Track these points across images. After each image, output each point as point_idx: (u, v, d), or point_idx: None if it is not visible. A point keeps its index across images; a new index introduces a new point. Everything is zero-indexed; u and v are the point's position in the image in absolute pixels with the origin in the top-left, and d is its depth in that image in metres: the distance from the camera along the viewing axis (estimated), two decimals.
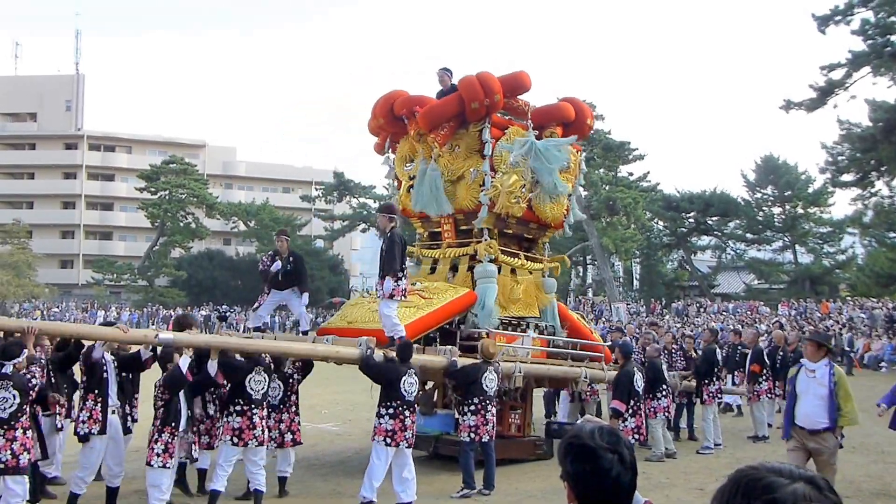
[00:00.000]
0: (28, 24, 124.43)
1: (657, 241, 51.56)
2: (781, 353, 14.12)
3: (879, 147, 31.49)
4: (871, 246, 42.96)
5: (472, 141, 11.22)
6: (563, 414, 13.80)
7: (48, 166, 65.19)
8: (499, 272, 11.11)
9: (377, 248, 10.04)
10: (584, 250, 49.76)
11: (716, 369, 12.95)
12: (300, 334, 11.39)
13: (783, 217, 48.00)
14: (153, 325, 43.59)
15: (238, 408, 8.27)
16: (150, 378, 8.39)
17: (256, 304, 10.92)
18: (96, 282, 55.21)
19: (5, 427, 6.62)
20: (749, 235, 49.36)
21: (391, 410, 8.43)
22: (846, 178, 35.49)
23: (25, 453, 6.71)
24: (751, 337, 14.86)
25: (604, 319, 36.75)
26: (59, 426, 9.02)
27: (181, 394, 7.80)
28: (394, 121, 11.74)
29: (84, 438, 8.00)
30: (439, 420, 11.10)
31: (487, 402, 9.38)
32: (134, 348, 8.59)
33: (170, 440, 7.65)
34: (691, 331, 24.77)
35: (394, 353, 8.84)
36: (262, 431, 8.40)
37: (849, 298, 38.18)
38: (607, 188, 44.33)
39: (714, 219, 49.20)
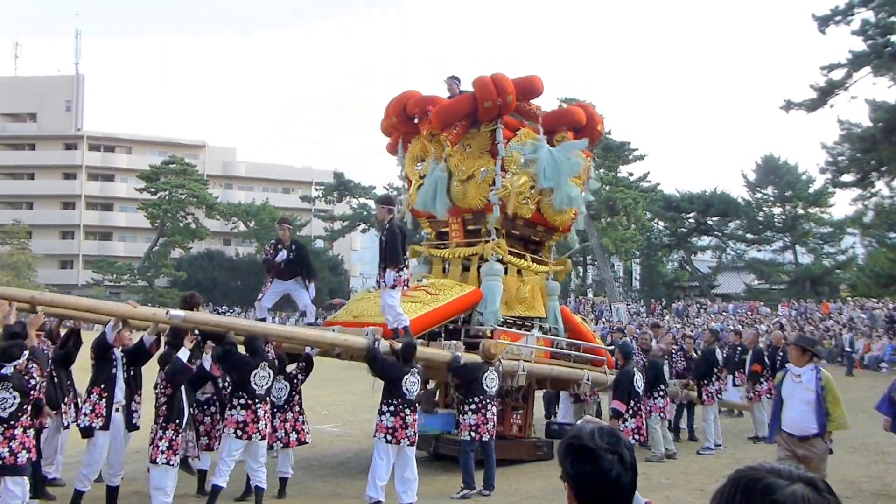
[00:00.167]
0: (28, 25, 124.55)
1: (657, 241, 51.59)
2: (781, 354, 14.10)
3: (880, 147, 31.51)
4: (871, 246, 42.95)
5: (483, 141, 11.25)
6: (562, 414, 13.79)
7: (48, 167, 65.25)
8: (505, 272, 11.11)
9: (377, 248, 10.03)
10: (584, 251, 49.76)
11: (715, 370, 12.96)
12: (307, 325, 11.31)
13: (783, 217, 48.03)
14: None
15: (242, 401, 8.26)
16: (149, 380, 8.36)
17: (260, 295, 10.78)
18: (96, 282, 55.26)
19: (4, 426, 6.60)
20: (749, 236, 49.39)
21: (392, 408, 8.45)
22: (846, 178, 35.51)
23: (24, 452, 6.68)
24: (751, 337, 14.84)
25: (604, 320, 36.74)
26: (66, 425, 8.99)
27: (183, 390, 7.78)
28: (406, 120, 11.79)
29: (86, 432, 7.98)
30: (440, 419, 11.09)
31: (488, 401, 9.38)
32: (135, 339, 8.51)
33: (174, 437, 7.64)
34: (691, 331, 24.75)
35: (399, 345, 8.84)
36: (266, 426, 8.40)
37: (849, 299, 38.18)
38: (607, 188, 44.36)
39: (714, 219, 49.22)
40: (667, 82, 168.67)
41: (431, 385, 11.47)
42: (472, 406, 9.36)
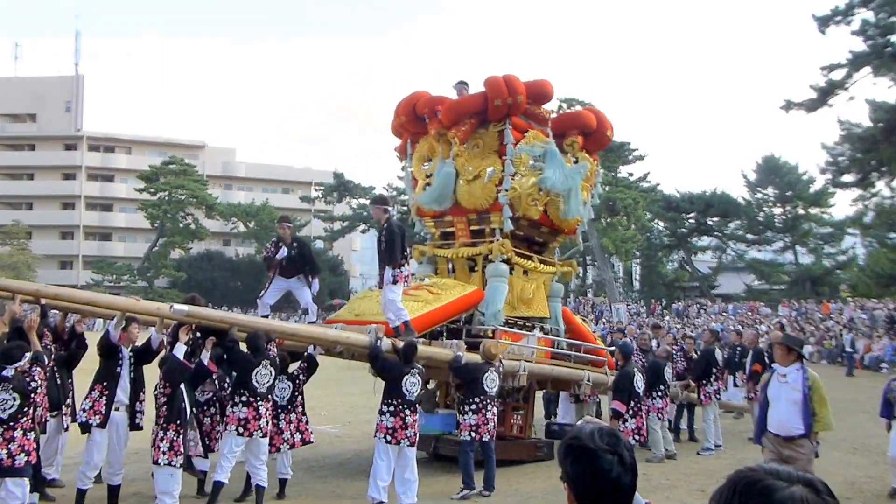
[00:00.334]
0: (28, 25, 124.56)
1: (657, 241, 51.59)
2: None
3: (880, 147, 31.51)
4: (871, 246, 42.93)
5: (491, 140, 11.26)
6: (562, 415, 13.77)
7: (48, 167, 65.26)
8: (511, 272, 11.09)
9: (376, 248, 9.98)
10: (584, 251, 49.73)
11: (714, 370, 12.97)
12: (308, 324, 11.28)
13: (784, 218, 48.04)
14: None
15: (244, 399, 8.27)
16: (150, 381, 8.34)
17: (262, 293, 10.74)
18: (96, 283, 55.20)
19: (4, 427, 6.59)
20: (749, 236, 49.42)
21: (392, 408, 8.45)
22: (847, 178, 35.52)
23: (23, 454, 6.66)
24: (751, 338, 14.82)
25: (604, 320, 36.72)
26: (66, 426, 8.97)
27: (183, 389, 7.76)
28: (415, 120, 11.82)
29: (84, 428, 7.98)
30: (440, 419, 11.08)
31: (488, 401, 9.37)
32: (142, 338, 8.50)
33: (175, 437, 7.62)
34: (692, 332, 24.73)
35: (402, 343, 8.82)
36: (267, 423, 8.39)
37: (849, 299, 38.19)
38: (607, 189, 44.32)
39: (714, 219, 49.25)
40: (666, 82, 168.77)
41: (432, 385, 11.44)
42: (473, 406, 9.35)
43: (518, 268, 11.27)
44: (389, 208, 9.90)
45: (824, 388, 7.38)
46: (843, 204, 72.30)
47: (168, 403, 7.68)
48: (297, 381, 9.26)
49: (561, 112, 13.94)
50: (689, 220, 49.42)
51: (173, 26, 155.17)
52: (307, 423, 9.35)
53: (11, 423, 6.61)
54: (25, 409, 6.69)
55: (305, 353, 9.38)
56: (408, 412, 8.47)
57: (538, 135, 11.45)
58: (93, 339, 8.85)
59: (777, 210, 48.99)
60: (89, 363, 8.70)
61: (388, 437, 8.40)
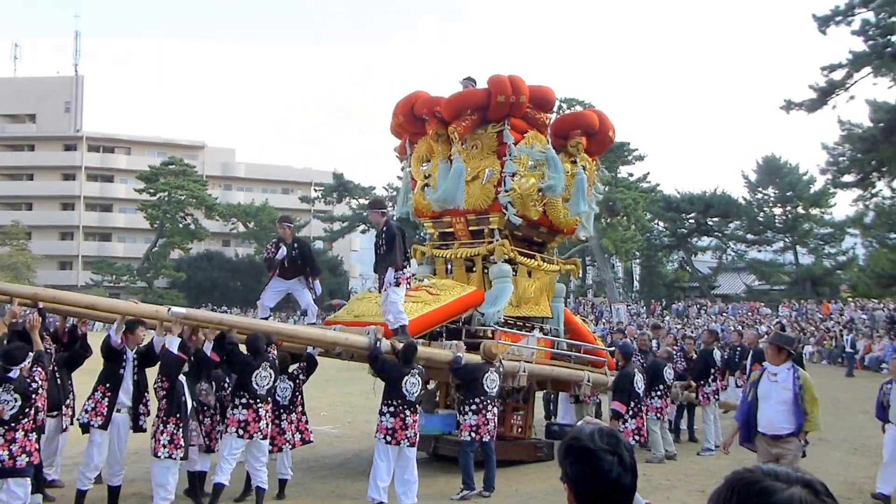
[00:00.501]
0: (27, 26, 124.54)
1: (657, 242, 51.55)
2: None
3: (880, 148, 31.53)
4: (872, 247, 42.94)
5: (490, 141, 11.23)
6: (562, 415, 13.76)
7: (47, 168, 65.22)
8: (515, 272, 11.08)
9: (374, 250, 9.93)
10: (584, 251, 49.70)
11: (713, 370, 12.98)
12: (308, 325, 11.25)
13: (784, 218, 48.02)
14: None
15: (244, 401, 8.26)
16: (151, 381, 8.32)
17: (262, 294, 10.69)
18: (95, 283, 55.19)
19: (5, 428, 6.59)
20: (750, 236, 49.40)
21: (392, 409, 8.44)
22: (847, 178, 35.54)
23: (25, 455, 6.66)
24: (751, 338, 14.81)
25: (604, 321, 36.70)
26: (65, 427, 8.95)
27: (184, 382, 7.74)
28: (414, 121, 11.79)
29: (85, 429, 7.99)
30: (440, 420, 11.07)
31: (489, 401, 9.36)
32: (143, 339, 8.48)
33: (175, 431, 7.62)
34: (692, 332, 24.70)
35: (401, 344, 8.81)
36: (267, 425, 8.39)
37: (850, 299, 38.17)
38: (607, 189, 44.30)
39: (715, 219, 49.23)
40: (666, 82, 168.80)
41: (431, 385, 11.42)
42: (473, 407, 9.33)
43: (522, 267, 11.26)
44: (387, 211, 9.87)
45: (815, 388, 7.32)
46: (844, 204, 72.28)
47: (168, 397, 7.68)
48: (298, 381, 9.26)
49: (562, 112, 13.90)
50: (690, 221, 49.40)
51: (173, 27, 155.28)
52: (307, 422, 9.37)
53: (13, 424, 6.61)
54: (27, 409, 6.69)
55: (305, 353, 9.38)
56: (408, 413, 8.46)
57: (538, 135, 11.42)
58: (93, 339, 8.82)
59: (777, 210, 48.98)
60: (91, 364, 8.69)
61: (388, 438, 8.39)
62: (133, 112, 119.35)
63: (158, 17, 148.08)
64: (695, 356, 13.80)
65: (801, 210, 47.60)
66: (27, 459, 6.69)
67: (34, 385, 6.78)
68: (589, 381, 11.47)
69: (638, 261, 52.52)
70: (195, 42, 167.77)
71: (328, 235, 58.06)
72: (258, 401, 8.27)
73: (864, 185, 35.03)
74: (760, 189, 49.53)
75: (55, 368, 8.52)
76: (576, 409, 13.17)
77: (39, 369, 6.86)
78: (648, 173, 50.42)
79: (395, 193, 48.39)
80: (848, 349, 26.62)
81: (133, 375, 8.14)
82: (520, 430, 11.32)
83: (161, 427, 7.61)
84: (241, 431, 8.21)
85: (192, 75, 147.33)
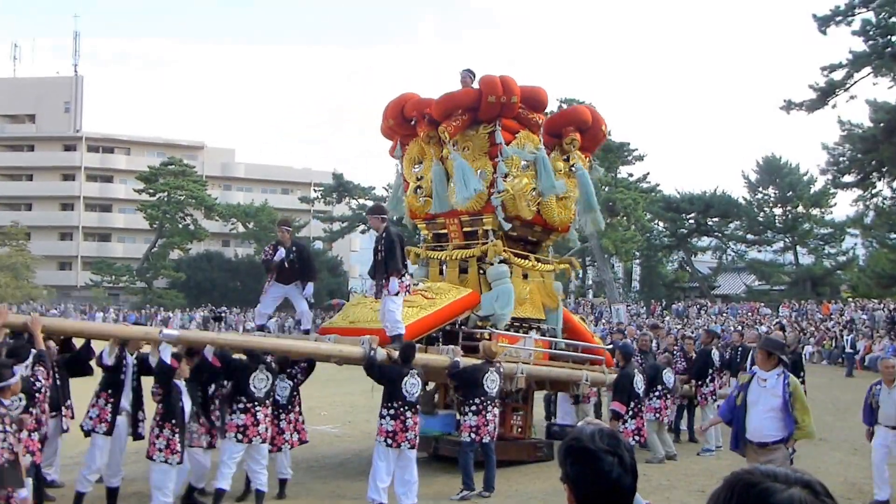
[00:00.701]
0: (27, 26, 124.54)
1: (657, 242, 51.51)
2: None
3: (880, 148, 31.52)
4: (872, 247, 42.94)
5: (481, 142, 11.19)
6: (562, 416, 13.73)
7: (47, 168, 65.20)
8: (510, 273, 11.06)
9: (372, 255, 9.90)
10: (583, 252, 49.67)
11: (711, 370, 12.99)
12: (301, 333, 11.25)
13: (784, 218, 47.97)
14: (151, 327, 43.46)
15: (241, 405, 8.25)
16: (147, 385, 8.31)
17: (261, 299, 10.66)
18: (95, 284, 55.20)
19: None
20: (750, 236, 49.35)
21: (392, 411, 8.41)
22: (847, 178, 35.53)
23: (28, 455, 6.65)
24: (752, 338, 14.80)
25: (604, 321, 36.68)
26: (65, 428, 8.94)
27: (182, 387, 7.74)
28: (404, 123, 11.74)
29: (88, 434, 8.02)
30: (440, 421, 11.06)
31: (489, 402, 9.34)
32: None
33: (171, 436, 7.59)
34: (692, 332, 24.69)
35: (397, 353, 8.78)
36: (266, 429, 8.38)
37: (850, 300, 38.13)
38: (607, 189, 44.28)
39: (715, 220, 49.18)
40: (666, 82, 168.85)
41: (430, 386, 11.41)
42: (473, 407, 9.32)
43: (516, 269, 11.24)
44: (387, 217, 9.85)
45: (805, 396, 7.17)
46: (844, 204, 72.27)
47: (164, 401, 7.67)
48: (296, 381, 9.24)
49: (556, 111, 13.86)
50: (689, 221, 49.34)
51: (172, 27, 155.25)
52: (303, 422, 9.38)
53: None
54: (30, 409, 6.69)
55: None
56: (409, 414, 8.44)
57: (530, 136, 11.40)
58: (95, 343, 8.78)
59: (777, 210, 48.91)
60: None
61: (389, 441, 8.36)
62: (132, 112, 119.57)
63: (158, 18, 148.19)
64: (694, 356, 13.81)
65: (801, 210, 47.54)
66: (30, 459, 6.70)
67: (38, 384, 6.79)
68: (587, 380, 11.45)
69: (638, 261, 52.47)
70: (195, 42, 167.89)
71: (328, 236, 58.03)
72: (256, 404, 8.25)
73: (865, 185, 35.03)
74: (760, 189, 49.47)
75: (56, 370, 8.53)
76: (575, 409, 13.16)
77: (42, 368, 6.86)
78: (648, 173, 50.49)
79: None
80: (848, 349, 26.61)
81: (133, 380, 8.18)
82: (519, 430, 11.31)
83: (157, 431, 7.60)
84: (239, 436, 8.20)
85: (191, 75, 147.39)
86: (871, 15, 30.69)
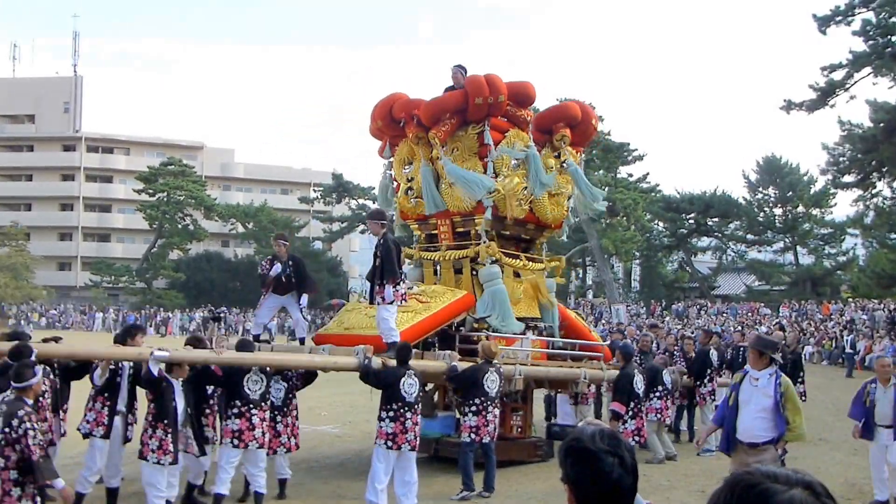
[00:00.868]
0: (26, 26, 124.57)
1: (657, 242, 51.50)
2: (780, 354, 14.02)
3: (880, 148, 31.52)
4: (872, 247, 42.92)
5: (470, 143, 11.15)
6: (562, 416, 13.71)
7: (46, 168, 65.19)
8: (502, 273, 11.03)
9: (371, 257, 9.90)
10: (583, 252, 49.69)
11: (709, 370, 13.00)
12: (296, 341, 11.23)
13: (784, 218, 47.97)
14: (150, 327, 43.42)
15: (236, 410, 8.22)
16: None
17: (256, 311, 10.72)
18: (94, 284, 55.20)
19: None
20: (750, 237, 49.36)
21: (392, 413, 8.37)
22: (847, 179, 35.52)
23: None
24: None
25: (604, 321, 36.66)
26: (63, 431, 8.92)
27: (175, 390, 7.73)
28: (392, 124, 11.68)
29: (85, 436, 8.05)
30: (440, 422, 11.04)
31: (489, 402, 9.31)
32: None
33: (164, 437, 7.57)
34: (692, 332, 24.68)
35: (392, 361, 8.75)
36: (263, 433, 8.35)
37: (850, 300, 38.10)
38: (607, 189, 44.27)
39: (714, 220, 49.17)
40: (666, 82, 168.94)
41: (429, 387, 11.38)
42: (473, 408, 9.29)
43: (508, 269, 11.22)
44: (386, 222, 9.83)
45: (797, 396, 7.13)
46: (844, 204, 72.28)
47: (156, 401, 7.64)
48: (291, 383, 9.20)
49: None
50: (689, 221, 49.33)
51: (172, 27, 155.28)
52: (298, 427, 9.30)
53: None
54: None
55: None
56: (408, 415, 8.40)
57: (519, 133, 11.37)
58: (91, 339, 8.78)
59: (777, 210, 48.92)
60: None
61: (389, 443, 8.32)
62: (132, 112, 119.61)
63: (158, 18, 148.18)
64: (694, 356, 13.81)
65: (801, 210, 47.56)
66: None
67: (42, 388, 6.80)
68: (585, 378, 11.42)
69: (638, 261, 52.47)
70: (194, 43, 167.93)
71: (327, 236, 58.05)
72: (251, 407, 8.21)
73: (865, 185, 35.02)
74: (760, 189, 49.47)
75: (55, 373, 8.54)
76: (575, 409, 13.15)
77: (39, 368, 6.83)
78: (648, 173, 50.49)
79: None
80: (848, 350, 26.60)
81: (128, 382, 8.18)
82: (519, 430, 11.29)
83: (149, 431, 7.58)
84: (235, 441, 8.18)
85: (190, 76, 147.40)
86: (871, 15, 30.70)
